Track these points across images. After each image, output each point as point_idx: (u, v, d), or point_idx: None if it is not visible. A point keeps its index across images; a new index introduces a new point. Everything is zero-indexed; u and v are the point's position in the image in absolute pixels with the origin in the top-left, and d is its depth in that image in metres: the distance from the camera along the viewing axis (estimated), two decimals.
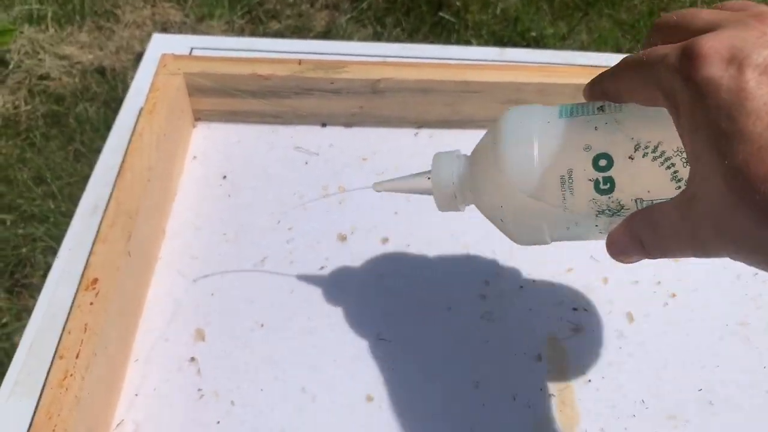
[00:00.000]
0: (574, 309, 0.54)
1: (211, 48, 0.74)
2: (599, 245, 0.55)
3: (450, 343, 0.52)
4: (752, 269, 0.56)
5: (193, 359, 0.50)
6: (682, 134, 0.30)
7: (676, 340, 0.52)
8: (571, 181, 0.36)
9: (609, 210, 0.37)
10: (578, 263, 0.56)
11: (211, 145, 0.64)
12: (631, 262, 0.37)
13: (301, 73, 0.62)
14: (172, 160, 0.60)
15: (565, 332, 0.52)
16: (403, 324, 0.52)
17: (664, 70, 0.30)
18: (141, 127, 0.56)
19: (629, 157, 0.35)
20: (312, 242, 0.57)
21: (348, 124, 0.66)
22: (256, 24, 1.58)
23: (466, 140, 0.64)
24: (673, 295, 0.55)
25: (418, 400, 0.49)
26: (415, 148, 0.64)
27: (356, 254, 0.56)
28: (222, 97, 0.64)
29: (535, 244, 0.43)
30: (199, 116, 0.66)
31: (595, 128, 0.36)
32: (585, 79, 0.59)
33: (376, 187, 0.47)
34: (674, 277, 0.56)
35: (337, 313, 0.53)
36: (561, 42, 1.50)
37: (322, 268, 0.56)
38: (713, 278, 0.56)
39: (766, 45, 0.27)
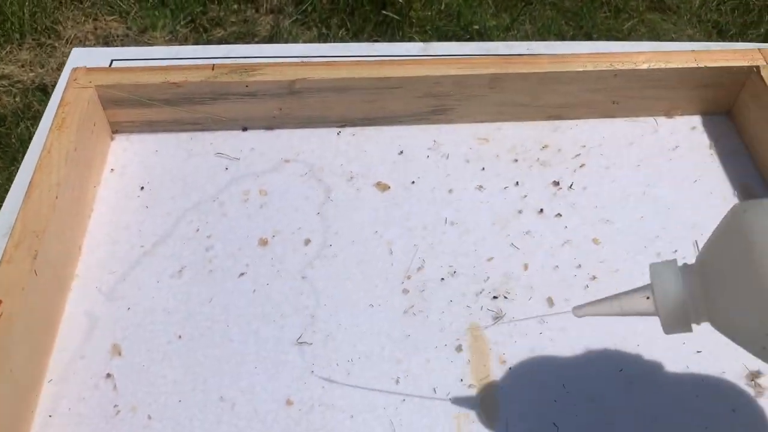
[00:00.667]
0: (495, 297, 0.54)
1: (132, 59, 0.73)
2: (517, 231, 0.55)
3: (372, 341, 0.51)
4: (672, 247, 0.57)
5: (109, 375, 0.49)
6: None
7: (597, 322, 0.52)
8: None
9: None
10: (499, 251, 0.56)
11: (129, 156, 0.63)
12: None
13: (215, 78, 0.61)
14: (87, 174, 0.59)
15: (487, 321, 0.52)
16: (325, 325, 0.52)
17: None
18: (49, 143, 0.55)
19: None
20: (232, 249, 0.56)
21: (269, 127, 0.65)
22: (199, 32, 1.56)
23: (391, 136, 0.65)
24: (594, 278, 0.55)
25: (338, 400, 0.48)
26: (338, 147, 0.64)
27: (278, 258, 0.56)
28: (138, 108, 0.63)
29: None
30: (117, 128, 0.64)
31: None
32: (500, 69, 0.60)
33: (577, 312, 0.41)
34: (595, 260, 0.56)
35: (257, 319, 0.52)
36: (505, 33, 1.51)
37: (242, 274, 0.55)
38: (634, 257, 0.56)
39: None
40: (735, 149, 0.64)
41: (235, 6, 1.67)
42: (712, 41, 1.63)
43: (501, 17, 1.56)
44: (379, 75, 0.61)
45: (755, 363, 0.50)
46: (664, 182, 0.61)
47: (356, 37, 1.52)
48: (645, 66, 0.62)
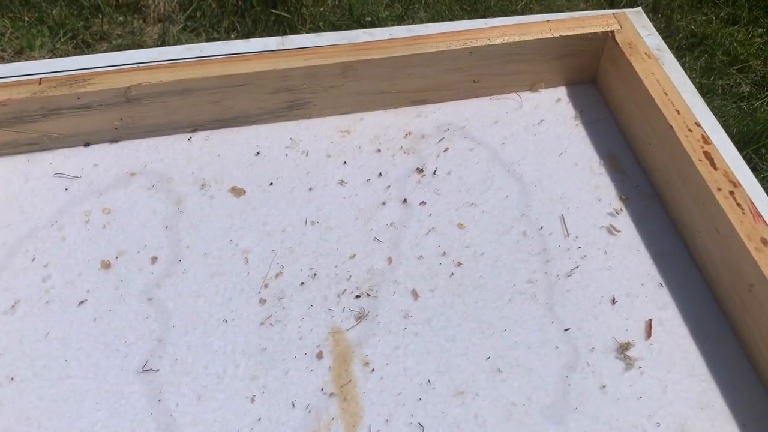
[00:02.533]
0: (358, 296, 0.51)
1: None
2: (381, 223, 0.52)
3: (225, 360, 0.47)
4: (538, 223, 0.55)
5: None
6: None
7: (463, 310, 0.50)
8: None
9: None
10: (362, 248, 0.54)
11: None
12: None
13: (42, 92, 0.56)
14: None
15: (350, 322, 0.49)
16: (174, 348, 0.48)
17: None
18: None
19: None
20: (72, 276, 0.52)
21: (114, 139, 0.61)
22: (82, 49, 1.48)
23: (247, 137, 0.61)
24: (459, 264, 0.53)
25: (188, 429, 0.44)
26: (190, 153, 0.60)
27: (122, 280, 0.52)
28: None
29: None
30: None
31: None
32: (351, 57, 0.57)
33: None
34: (460, 245, 0.54)
35: (98, 351, 0.48)
36: (399, 22, 1.49)
37: (82, 302, 0.50)
38: (499, 239, 0.54)
39: None
40: (601, 117, 0.63)
41: (121, 18, 1.60)
42: None
43: (394, 7, 1.53)
44: (220, 73, 0.57)
45: (624, 336, 0.49)
46: (528, 159, 0.60)
47: (247, 39, 1.47)
48: (499, 41, 0.60)
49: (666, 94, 0.56)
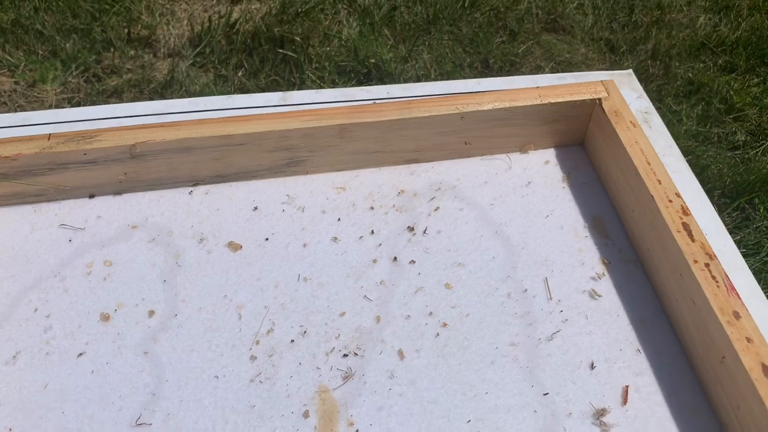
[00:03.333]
0: (345, 355, 0.53)
1: None
2: (371, 281, 0.54)
3: (215, 416, 0.49)
4: (523, 286, 0.57)
5: None
6: None
7: (447, 372, 0.52)
8: None
9: None
10: (351, 305, 0.56)
11: None
12: None
13: (51, 148, 0.59)
14: None
15: (336, 381, 0.51)
16: (166, 402, 0.50)
17: None
18: None
19: None
20: (72, 328, 0.54)
21: (118, 192, 0.63)
22: (92, 82, 1.52)
23: (245, 192, 0.63)
24: (445, 325, 0.55)
25: None
26: (190, 207, 0.62)
27: (120, 334, 0.54)
28: None
29: None
30: None
31: None
32: (347, 119, 0.59)
33: None
34: (446, 305, 0.56)
35: (93, 403, 0.50)
36: (402, 64, 1.52)
37: (81, 354, 0.52)
38: (484, 300, 0.56)
39: None
40: (588, 180, 0.65)
41: (132, 52, 1.64)
42: (605, 58, 1.68)
43: (398, 49, 1.57)
44: (221, 133, 0.60)
45: (601, 402, 0.50)
46: (516, 220, 0.62)
47: (255, 76, 1.51)
48: (489, 106, 0.63)
49: (649, 164, 0.58)
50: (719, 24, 1.66)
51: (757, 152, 1.33)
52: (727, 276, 0.50)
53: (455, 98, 0.63)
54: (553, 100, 0.64)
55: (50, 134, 0.60)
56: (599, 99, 0.64)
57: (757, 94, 1.45)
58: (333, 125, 0.61)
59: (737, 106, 1.42)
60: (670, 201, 0.55)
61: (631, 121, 0.62)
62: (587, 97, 0.64)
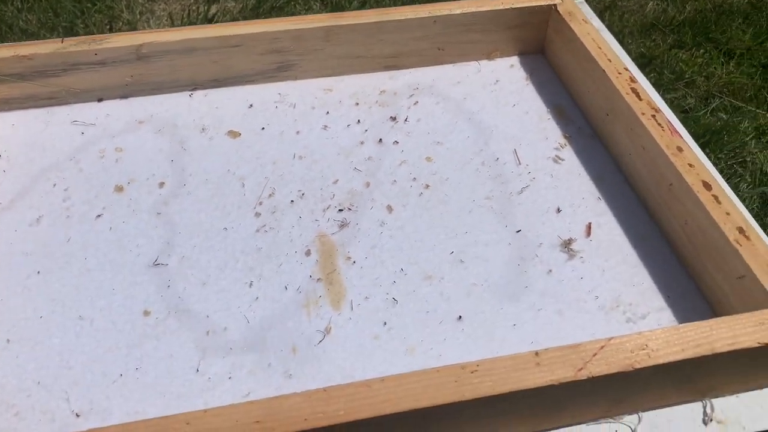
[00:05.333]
0: (340, 210, 0.59)
1: None
2: (360, 157, 0.60)
3: (226, 257, 0.55)
4: (494, 156, 0.64)
5: None
6: None
7: (431, 219, 0.58)
8: None
9: None
10: (343, 175, 0.62)
11: None
12: None
13: (64, 49, 0.65)
14: None
15: (333, 229, 0.57)
16: (180, 249, 0.55)
17: None
18: None
19: None
20: (89, 197, 0.59)
21: (124, 96, 0.69)
22: None
23: (240, 94, 0.70)
24: (427, 186, 0.61)
25: (194, 305, 0.51)
26: (191, 106, 0.68)
27: (133, 200, 0.59)
28: None
29: None
30: None
31: None
32: (332, 22, 0.66)
33: None
34: (428, 173, 0.62)
35: (113, 251, 0.55)
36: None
37: (98, 216, 0.58)
38: (461, 168, 0.63)
39: None
40: (549, 79, 0.73)
41: None
42: None
43: None
44: (219, 34, 0.66)
45: (568, 235, 0.57)
46: (486, 109, 0.69)
47: None
48: (459, 11, 0.70)
49: (599, 48, 0.66)
50: (667, 8, 1.79)
51: (706, 112, 1.44)
52: (670, 122, 0.58)
53: (429, 5, 0.71)
54: (514, 6, 0.72)
55: (63, 38, 0.65)
56: (555, 4, 0.72)
57: (703, 64, 1.57)
58: (320, 27, 0.68)
59: (686, 75, 1.53)
60: (620, 73, 0.63)
61: (583, 19, 0.70)
62: (545, 2, 0.72)
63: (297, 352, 0.48)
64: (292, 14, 1.80)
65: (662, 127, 0.58)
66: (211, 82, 0.70)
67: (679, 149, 0.56)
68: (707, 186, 0.53)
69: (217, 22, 1.75)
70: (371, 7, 1.86)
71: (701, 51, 1.64)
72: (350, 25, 0.69)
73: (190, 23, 1.76)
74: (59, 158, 0.62)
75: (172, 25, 1.78)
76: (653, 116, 0.59)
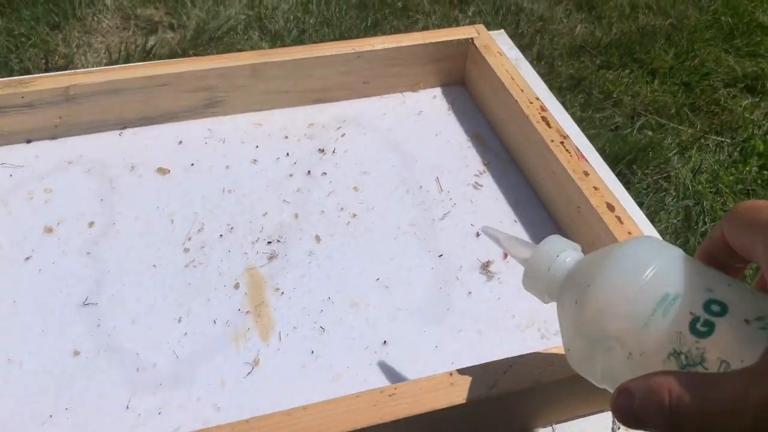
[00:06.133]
0: (269, 242, 0.61)
1: None
2: (289, 189, 0.62)
3: (155, 294, 0.56)
4: (418, 184, 0.67)
5: None
6: None
7: (358, 247, 0.61)
8: (672, 302, 0.32)
9: (685, 357, 0.31)
10: (272, 207, 0.64)
11: None
12: (640, 428, 0.31)
13: None
14: None
15: (262, 261, 0.59)
16: (110, 288, 0.56)
17: None
18: None
19: (745, 320, 0.31)
20: (18, 239, 0.60)
21: (53, 136, 0.70)
22: None
23: (170, 131, 0.71)
24: (354, 216, 0.63)
25: (124, 343, 0.52)
26: (121, 145, 0.69)
27: (62, 239, 0.60)
28: None
29: (585, 372, 0.38)
30: None
31: (729, 284, 0.33)
32: (259, 59, 0.68)
33: (485, 228, 0.46)
34: (355, 202, 0.65)
35: (43, 294, 0.55)
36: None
37: (27, 258, 0.58)
38: (387, 196, 0.65)
39: None
40: (469, 109, 0.77)
41: None
42: None
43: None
44: (147, 74, 0.68)
45: (486, 255, 0.60)
46: (411, 139, 0.72)
47: None
48: (381, 47, 0.74)
49: (512, 79, 0.70)
50: (594, 31, 1.87)
51: (632, 130, 1.51)
52: (578, 148, 0.62)
53: (351, 42, 0.74)
54: (433, 40, 0.75)
55: None
56: (472, 38, 0.76)
57: (629, 84, 1.65)
58: (246, 65, 0.70)
59: (614, 94, 1.60)
60: (531, 102, 0.67)
61: (498, 52, 0.74)
62: (462, 37, 0.76)
63: (225, 385, 0.50)
64: (231, 44, 1.82)
65: (570, 152, 0.61)
66: (140, 120, 0.71)
67: (585, 173, 0.60)
68: (611, 207, 0.57)
69: (155, 53, 1.76)
70: (309, 36, 1.89)
71: (627, 71, 1.72)
72: (276, 62, 0.71)
73: (128, 56, 1.77)
74: None
75: (110, 58, 1.78)
76: (561, 142, 0.62)
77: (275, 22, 1.91)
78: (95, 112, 0.69)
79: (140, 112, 0.71)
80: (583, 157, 0.61)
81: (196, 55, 1.68)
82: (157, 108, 0.71)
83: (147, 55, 1.77)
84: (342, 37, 1.85)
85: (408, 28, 1.93)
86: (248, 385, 0.50)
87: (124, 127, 0.71)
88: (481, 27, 0.78)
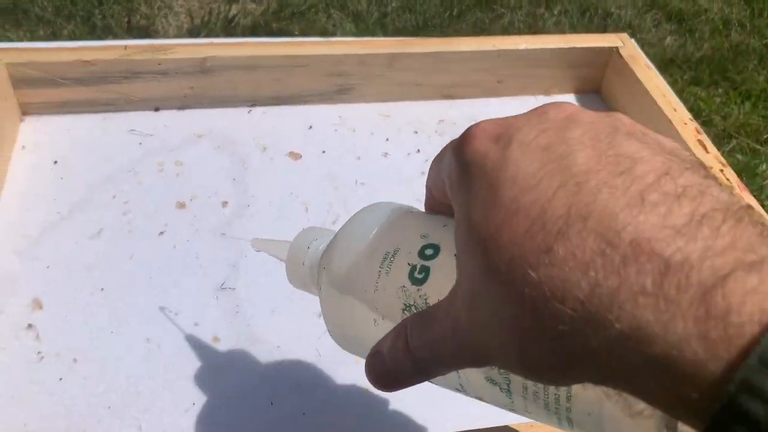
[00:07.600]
0: None
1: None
2: (423, 189, 0.61)
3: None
4: None
5: (30, 326, 0.49)
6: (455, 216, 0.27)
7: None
8: (392, 259, 0.32)
9: (415, 309, 0.31)
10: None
11: (40, 136, 0.64)
12: (397, 385, 0.30)
13: (128, 56, 0.63)
14: None
15: None
16: (247, 273, 0.54)
17: (447, 157, 0.29)
18: None
19: (455, 255, 0.30)
20: (150, 212, 0.58)
21: (181, 107, 0.68)
22: None
23: (299, 113, 0.69)
24: None
25: (264, 334, 0.50)
26: (250, 123, 0.67)
27: (196, 218, 0.58)
28: (50, 88, 0.64)
29: (358, 352, 0.37)
30: (27, 110, 0.65)
31: (444, 225, 0.33)
32: (397, 49, 0.65)
33: (253, 242, 0.44)
34: None
35: (177, 271, 0.54)
36: None
37: (161, 233, 0.56)
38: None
39: (535, 126, 0.25)
40: None
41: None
42: None
43: None
44: (286, 53, 0.66)
45: None
46: None
47: None
48: (524, 46, 0.70)
49: (664, 96, 0.66)
50: (685, 44, 1.81)
51: (724, 153, 1.46)
52: (739, 180, 0.58)
53: (494, 38, 0.71)
54: (578, 45, 0.72)
55: (126, 45, 0.64)
56: (617, 47, 0.72)
57: (720, 103, 1.59)
58: (385, 53, 0.68)
59: (704, 112, 1.55)
60: (685, 123, 0.63)
61: (645, 64, 0.70)
62: (607, 45, 0.73)
63: (370, 387, 0.48)
64: (313, 21, 1.80)
65: (730, 182, 0.58)
66: (271, 98, 0.69)
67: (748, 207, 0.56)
68: None
69: (237, 23, 1.74)
70: (392, 20, 1.86)
71: (718, 90, 1.66)
72: (416, 54, 0.68)
73: (210, 22, 1.75)
74: (116, 169, 0.61)
75: (192, 22, 1.77)
76: (721, 171, 0.59)
77: (357, 3, 1.88)
78: (227, 87, 0.67)
79: (273, 91, 0.68)
80: (745, 188, 0.58)
81: (279, 29, 1.66)
82: (289, 88, 0.69)
83: (228, 23, 1.75)
84: (425, 24, 1.82)
85: (492, 22, 1.88)
86: None
87: (254, 105, 0.69)
88: (625, 36, 0.74)
